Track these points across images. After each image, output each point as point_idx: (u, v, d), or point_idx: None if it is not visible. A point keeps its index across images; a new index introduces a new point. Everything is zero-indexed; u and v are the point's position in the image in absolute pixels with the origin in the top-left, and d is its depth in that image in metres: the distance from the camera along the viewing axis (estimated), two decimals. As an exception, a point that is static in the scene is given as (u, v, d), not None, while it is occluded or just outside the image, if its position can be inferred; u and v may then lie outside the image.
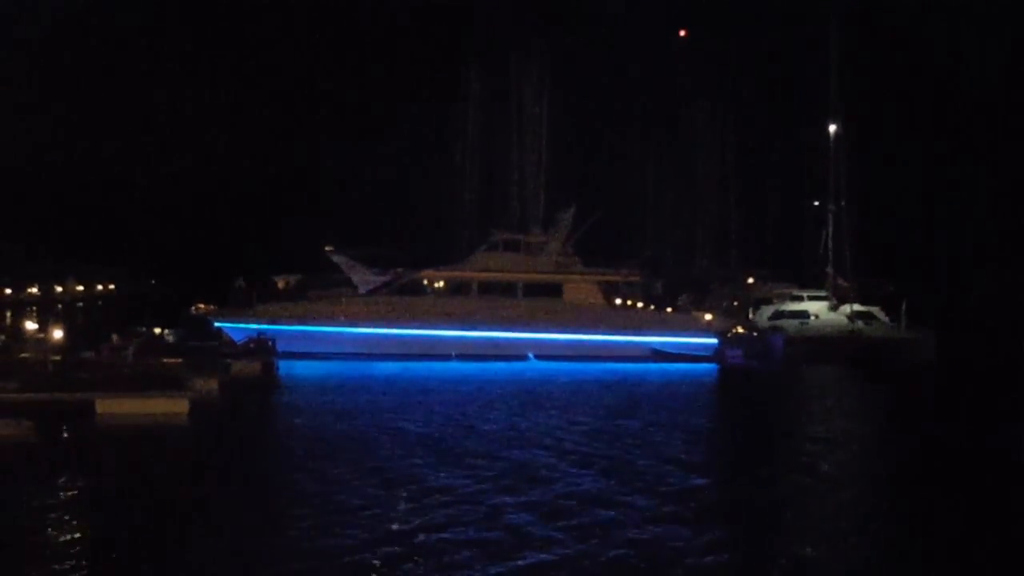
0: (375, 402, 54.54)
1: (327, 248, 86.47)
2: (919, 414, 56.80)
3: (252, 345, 73.25)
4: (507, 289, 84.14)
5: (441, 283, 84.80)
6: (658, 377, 72.41)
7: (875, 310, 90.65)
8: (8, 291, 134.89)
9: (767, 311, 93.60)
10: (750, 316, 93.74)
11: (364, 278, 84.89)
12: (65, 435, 41.60)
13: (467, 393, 59.27)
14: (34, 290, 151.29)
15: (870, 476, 36.97)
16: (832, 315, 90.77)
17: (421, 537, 26.19)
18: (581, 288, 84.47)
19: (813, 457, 40.16)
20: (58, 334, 57.25)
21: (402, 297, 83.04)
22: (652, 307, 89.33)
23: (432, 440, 41.41)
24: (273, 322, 79.00)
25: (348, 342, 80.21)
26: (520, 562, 24.32)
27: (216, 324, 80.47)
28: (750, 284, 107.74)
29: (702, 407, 59.85)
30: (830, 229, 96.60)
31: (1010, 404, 59.38)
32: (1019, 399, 61.48)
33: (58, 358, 54.27)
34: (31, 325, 68.98)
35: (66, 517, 27.90)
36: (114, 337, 62.24)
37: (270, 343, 73.68)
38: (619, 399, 58.82)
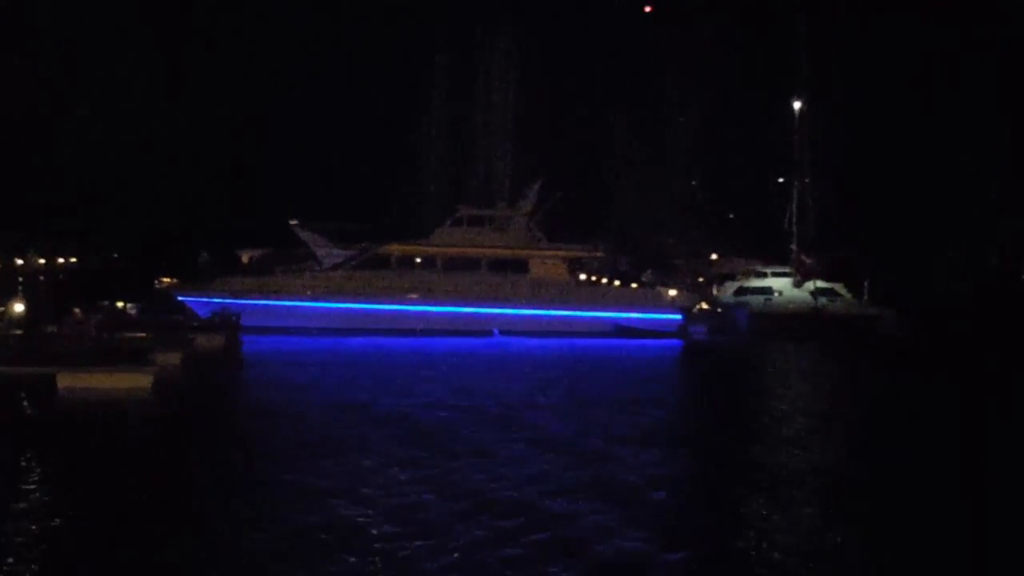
0: (336, 377, 54.40)
1: (292, 223, 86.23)
2: (877, 387, 57.02)
3: (216, 319, 73.04)
4: (472, 264, 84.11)
5: (406, 258, 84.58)
6: (622, 352, 72.54)
7: (838, 286, 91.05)
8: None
9: (731, 287, 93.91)
10: (714, 292, 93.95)
11: (329, 253, 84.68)
12: (27, 410, 41.34)
13: (418, 369, 59.28)
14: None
15: (814, 451, 36.91)
16: (796, 291, 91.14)
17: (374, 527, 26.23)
18: (546, 264, 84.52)
19: (765, 429, 40.37)
20: (19, 308, 56.92)
21: (367, 272, 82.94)
22: (617, 283, 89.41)
23: (391, 416, 41.35)
24: (237, 296, 78.89)
25: (312, 317, 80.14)
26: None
27: (180, 298, 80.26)
28: (714, 260, 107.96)
29: (663, 382, 59.84)
30: (794, 206, 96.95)
31: (967, 378, 59.75)
32: (977, 373, 61.85)
33: (20, 332, 53.99)
34: (-7, 299, 68.62)
35: (25, 492, 27.76)
36: (76, 311, 61.81)
37: (234, 317, 73.50)
38: (581, 375, 58.91)
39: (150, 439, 36.87)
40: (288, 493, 28.28)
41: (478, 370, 59.57)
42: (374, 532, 24.68)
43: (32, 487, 28.58)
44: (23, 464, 31.30)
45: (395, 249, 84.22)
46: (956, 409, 47.97)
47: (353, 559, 22.84)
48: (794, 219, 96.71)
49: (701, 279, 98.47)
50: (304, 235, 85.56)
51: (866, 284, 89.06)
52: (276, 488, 28.84)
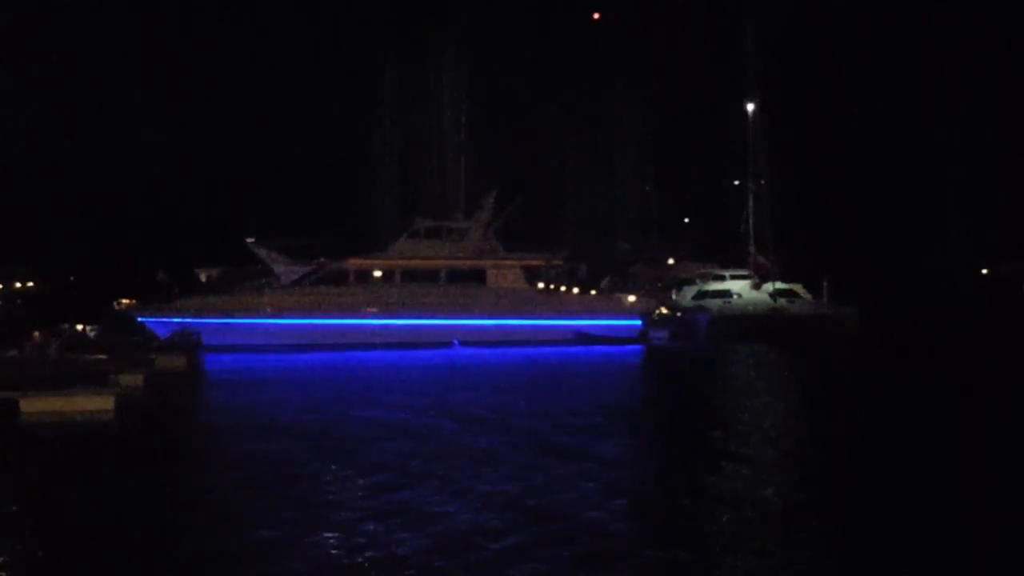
0: (300, 394, 54.38)
1: (248, 240, 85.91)
2: (837, 389, 57.26)
3: (176, 339, 72.90)
4: (431, 276, 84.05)
5: (364, 272, 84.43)
6: (583, 360, 72.70)
7: (798, 287, 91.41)
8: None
9: (690, 291, 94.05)
10: (673, 296, 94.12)
11: (287, 269, 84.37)
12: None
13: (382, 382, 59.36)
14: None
15: (775, 452, 37.04)
16: (755, 293, 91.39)
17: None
18: (504, 274, 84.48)
19: (727, 432, 40.61)
20: (-22, 333, 56.70)
21: (325, 287, 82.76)
22: (576, 290, 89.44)
23: (356, 433, 41.38)
24: (197, 315, 78.69)
25: (273, 334, 79.90)
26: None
27: (139, 319, 79.98)
28: (672, 264, 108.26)
29: (623, 387, 60.06)
30: (750, 208, 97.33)
31: (927, 378, 60.12)
32: (938, 373, 62.24)
33: (-20, 358, 53.78)
34: (-50, 326, 68.37)
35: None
36: (36, 335, 61.68)
37: (194, 337, 73.34)
38: (542, 382, 59.15)
39: (114, 461, 36.74)
40: (254, 513, 28.26)
41: (439, 382, 59.67)
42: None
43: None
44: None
45: (353, 263, 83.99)
46: (925, 406, 48.37)
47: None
48: (750, 221, 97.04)
49: (660, 284, 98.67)
50: (261, 252, 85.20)
51: (825, 284, 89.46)
52: (243, 507, 28.83)
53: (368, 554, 24.16)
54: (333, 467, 33.87)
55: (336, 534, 25.74)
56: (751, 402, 50.61)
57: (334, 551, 24.48)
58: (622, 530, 26.62)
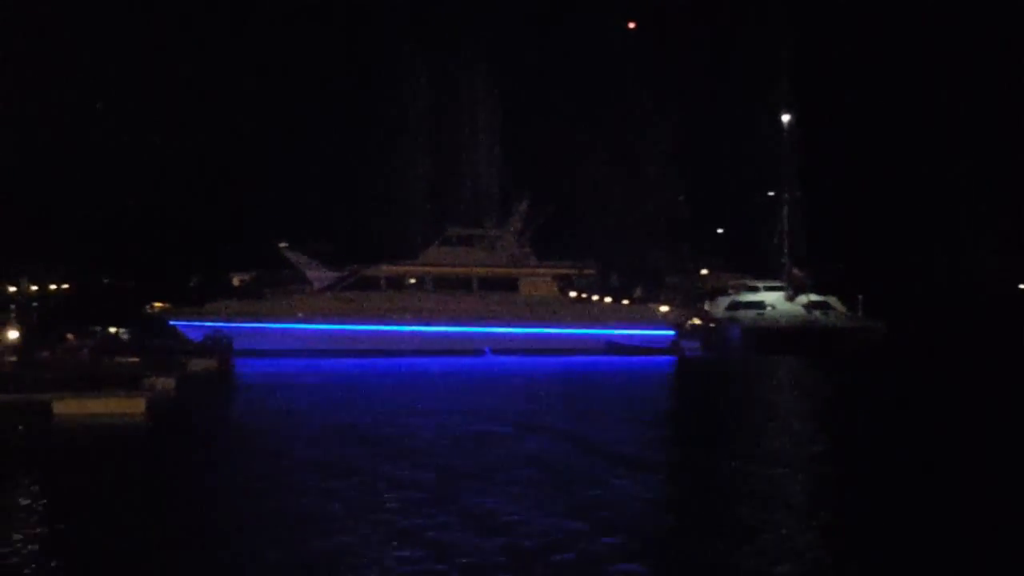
0: (330, 399, 54.31)
1: (281, 245, 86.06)
2: (865, 401, 56.89)
3: (208, 343, 72.97)
4: (463, 284, 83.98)
5: (396, 278, 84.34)
6: (616, 369, 72.49)
7: (832, 299, 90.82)
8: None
9: (723, 302, 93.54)
10: (706, 307, 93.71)
11: (319, 274, 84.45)
12: (22, 437, 41.11)
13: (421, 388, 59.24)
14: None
15: (803, 467, 36.80)
16: (788, 305, 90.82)
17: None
18: (537, 282, 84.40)
19: (754, 444, 40.37)
20: (13, 335, 56.77)
21: (357, 293, 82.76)
22: (608, 300, 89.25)
23: (380, 437, 41.20)
24: (229, 320, 78.74)
25: (304, 339, 79.89)
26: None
27: (172, 322, 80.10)
28: (705, 275, 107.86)
29: (655, 399, 59.81)
30: (785, 219, 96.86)
31: (952, 390, 59.73)
32: (965, 385, 61.81)
33: (14, 359, 53.84)
34: (-15, 326, 68.44)
35: (21, 520, 27.59)
36: (70, 337, 61.79)
37: (226, 341, 73.41)
38: (574, 392, 59.00)
39: (145, 464, 36.71)
40: (287, 517, 28.11)
41: (471, 389, 59.53)
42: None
43: (28, 513, 28.50)
44: (19, 491, 31.14)
45: (385, 270, 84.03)
46: (958, 419, 48.01)
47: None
48: (785, 232, 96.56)
49: (692, 294, 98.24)
50: (294, 257, 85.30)
51: (860, 297, 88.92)
52: (274, 511, 28.72)
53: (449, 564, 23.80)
54: (380, 470, 33.72)
55: (402, 542, 25.33)
56: (780, 412, 50.37)
57: (403, 560, 23.98)
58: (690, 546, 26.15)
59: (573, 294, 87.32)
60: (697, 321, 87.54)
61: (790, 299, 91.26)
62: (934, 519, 28.32)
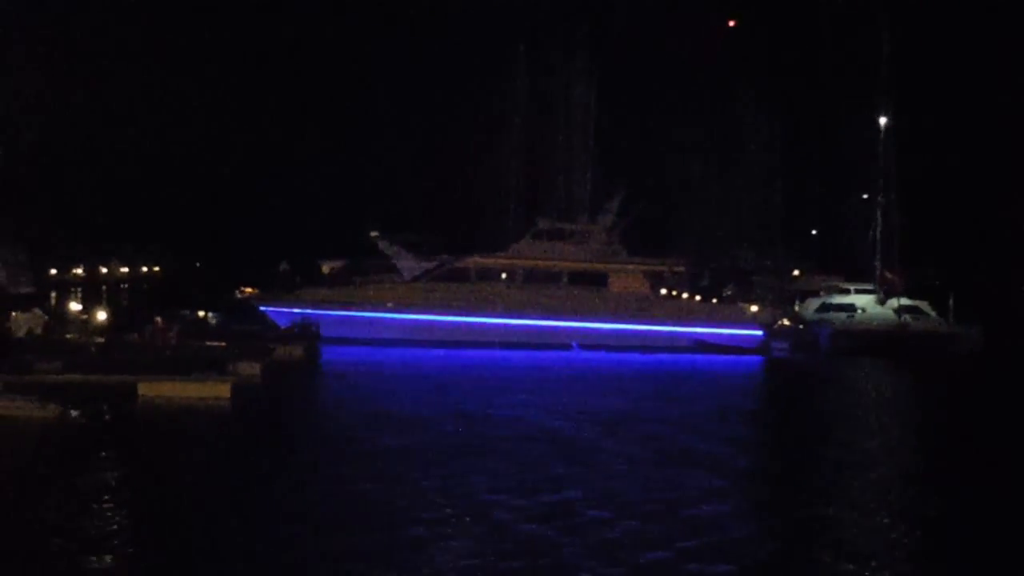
0: (416, 389, 54.24)
1: (372, 234, 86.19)
2: (958, 408, 56.07)
3: (296, 330, 73.18)
4: (552, 277, 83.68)
5: (486, 271, 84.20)
6: (704, 368, 72.00)
7: (923, 304, 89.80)
8: (53, 272, 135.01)
9: (814, 303, 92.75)
10: (796, 308, 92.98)
11: (409, 264, 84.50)
12: (107, 417, 41.28)
13: (503, 381, 59.00)
14: (79, 271, 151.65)
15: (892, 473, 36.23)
16: (879, 309, 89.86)
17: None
18: (626, 278, 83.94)
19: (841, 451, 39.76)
20: (102, 316, 57.35)
21: (446, 284, 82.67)
22: (698, 298, 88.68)
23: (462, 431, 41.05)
24: (317, 307, 78.85)
25: (392, 328, 79.87)
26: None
27: (260, 308, 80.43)
28: (796, 276, 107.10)
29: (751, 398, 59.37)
30: (878, 222, 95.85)
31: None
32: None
33: (102, 340, 54.35)
34: (75, 307, 69.15)
35: (105, 501, 27.66)
36: (158, 320, 62.13)
37: (314, 328, 73.58)
38: (661, 389, 58.57)
39: (228, 449, 36.79)
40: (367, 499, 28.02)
41: (562, 384, 59.28)
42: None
43: (112, 491, 28.67)
44: (104, 470, 31.30)
45: (474, 262, 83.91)
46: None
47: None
48: (878, 235, 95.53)
49: (783, 295, 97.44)
50: (385, 247, 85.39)
51: (951, 302, 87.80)
52: (357, 493, 28.64)
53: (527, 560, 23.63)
54: (466, 464, 33.53)
55: (492, 536, 25.25)
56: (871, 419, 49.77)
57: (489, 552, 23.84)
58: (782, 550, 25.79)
59: (663, 291, 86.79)
60: (787, 322, 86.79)
61: (881, 302, 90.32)
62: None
